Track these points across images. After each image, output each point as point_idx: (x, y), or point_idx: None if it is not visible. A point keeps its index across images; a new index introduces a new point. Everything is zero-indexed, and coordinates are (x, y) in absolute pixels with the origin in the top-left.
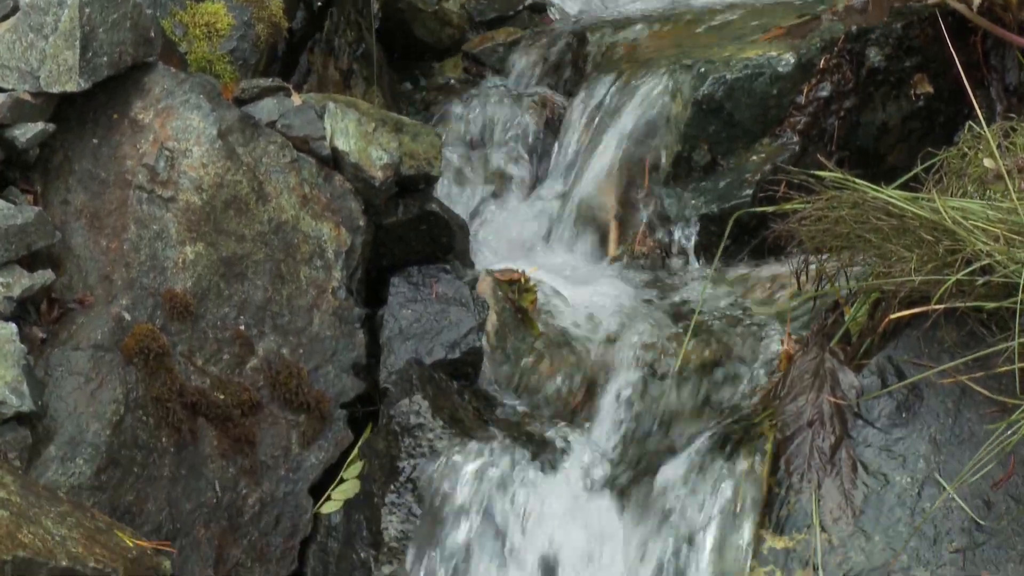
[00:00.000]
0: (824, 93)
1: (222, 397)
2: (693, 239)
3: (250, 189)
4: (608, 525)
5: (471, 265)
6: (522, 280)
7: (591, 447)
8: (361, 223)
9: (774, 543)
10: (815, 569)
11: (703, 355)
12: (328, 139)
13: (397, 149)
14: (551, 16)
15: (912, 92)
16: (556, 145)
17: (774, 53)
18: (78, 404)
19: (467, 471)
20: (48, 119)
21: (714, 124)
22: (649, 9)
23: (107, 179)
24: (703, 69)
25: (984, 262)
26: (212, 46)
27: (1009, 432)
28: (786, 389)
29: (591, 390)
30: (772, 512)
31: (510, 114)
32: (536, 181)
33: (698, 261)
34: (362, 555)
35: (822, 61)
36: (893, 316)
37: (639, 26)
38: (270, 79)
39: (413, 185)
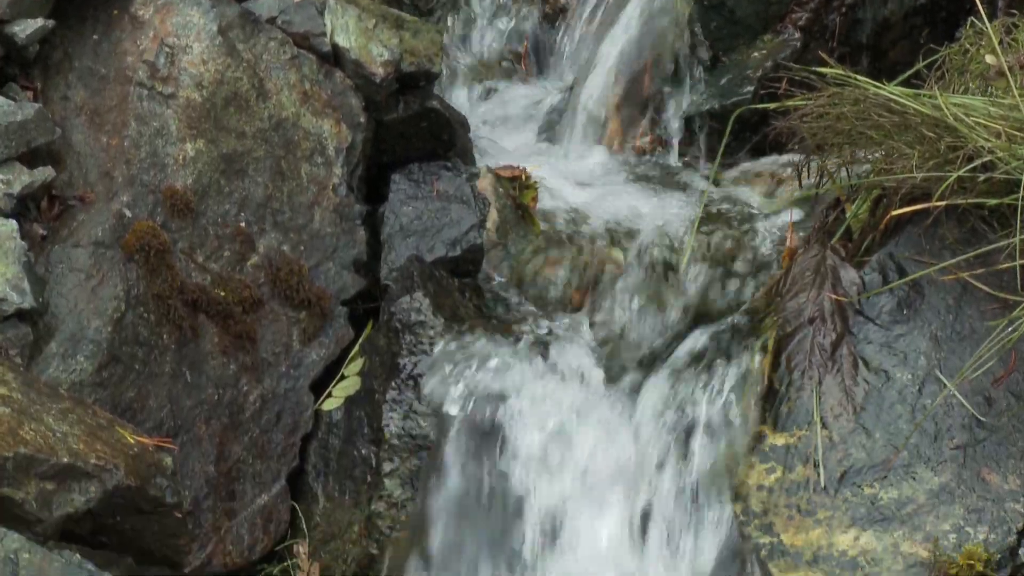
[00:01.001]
0: None
1: (223, 294)
2: (695, 135)
3: (250, 86)
4: (610, 419)
5: (472, 162)
6: (523, 177)
7: (592, 342)
8: (362, 120)
9: (775, 440)
10: (816, 466)
11: (704, 251)
12: (328, 36)
13: (398, 46)
14: None
15: None
16: (558, 41)
17: None
18: (79, 301)
19: (468, 367)
20: (48, 15)
21: (716, 20)
22: None
23: (107, 75)
24: None
25: (985, 159)
26: None
27: (1010, 328)
28: (787, 286)
29: (593, 286)
30: (773, 409)
31: (511, 10)
32: (538, 78)
33: (699, 157)
34: (363, 452)
35: None
36: (894, 213)
37: None
38: None
39: (414, 82)
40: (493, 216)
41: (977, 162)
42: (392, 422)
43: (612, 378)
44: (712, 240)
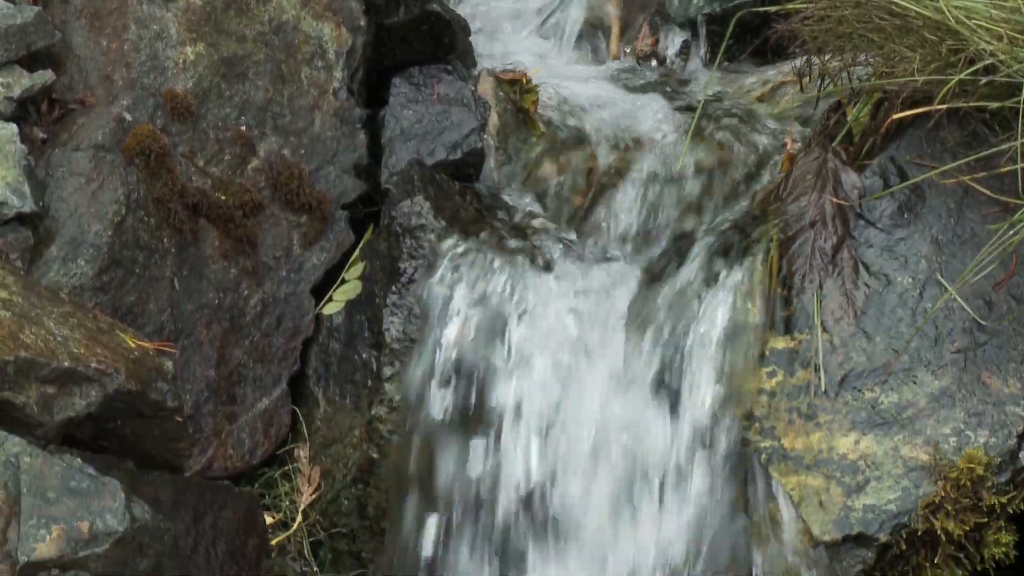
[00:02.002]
0: None
1: (223, 198)
2: (695, 38)
3: None
4: (609, 323)
5: (473, 65)
6: (523, 80)
7: (593, 246)
8: (362, 23)
9: (776, 344)
10: (816, 369)
11: (706, 155)
12: None
13: None
14: None
15: None
16: None
17: None
18: (79, 205)
19: (468, 270)
20: None
21: None
22: None
23: None
24: None
25: (987, 61)
26: None
27: (1011, 232)
28: (788, 190)
29: (594, 191)
30: (774, 313)
31: None
32: None
33: (700, 61)
34: (364, 356)
35: None
36: (896, 116)
37: None
38: None
39: None
40: (494, 120)
41: (979, 65)
42: (393, 326)
43: (614, 282)
44: (712, 144)
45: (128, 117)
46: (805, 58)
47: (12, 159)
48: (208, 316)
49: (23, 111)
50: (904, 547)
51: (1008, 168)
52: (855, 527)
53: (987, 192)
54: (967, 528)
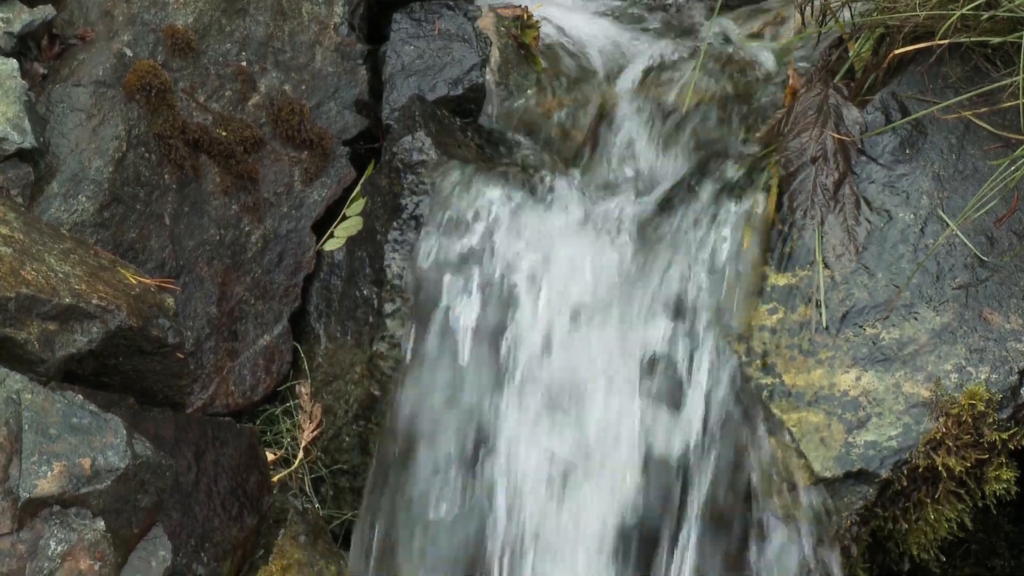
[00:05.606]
0: None
1: (224, 134)
2: None
3: None
4: (610, 257)
5: (473, 1)
6: (525, 16)
7: (594, 182)
8: None
9: (776, 280)
10: (817, 306)
11: (708, 91)
12: None
13: None
14: None
15: None
16: None
17: None
18: (80, 141)
19: (468, 206)
20: None
21: None
22: None
23: None
24: None
25: None
26: None
27: (1013, 168)
28: (789, 125)
29: (595, 127)
30: (775, 249)
31: None
32: None
33: None
34: (365, 292)
35: None
36: (898, 51)
37: None
38: None
39: None
40: (495, 55)
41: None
42: (394, 262)
43: (614, 218)
44: (714, 80)
45: (129, 53)
46: None
47: (12, 95)
48: (209, 252)
49: (23, 46)
50: (905, 483)
51: (1009, 103)
52: (856, 463)
53: (988, 128)
54: (968, 464)
